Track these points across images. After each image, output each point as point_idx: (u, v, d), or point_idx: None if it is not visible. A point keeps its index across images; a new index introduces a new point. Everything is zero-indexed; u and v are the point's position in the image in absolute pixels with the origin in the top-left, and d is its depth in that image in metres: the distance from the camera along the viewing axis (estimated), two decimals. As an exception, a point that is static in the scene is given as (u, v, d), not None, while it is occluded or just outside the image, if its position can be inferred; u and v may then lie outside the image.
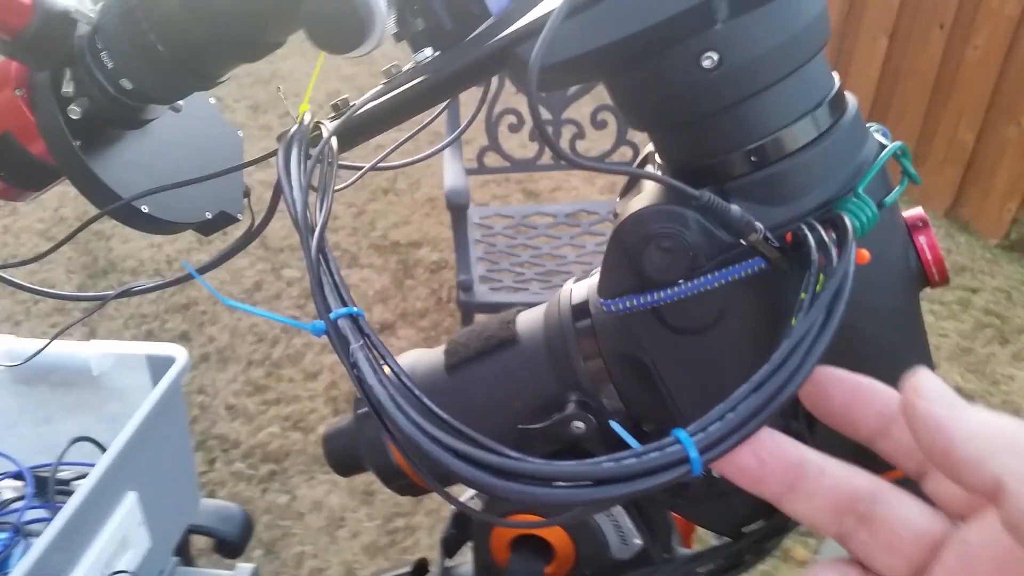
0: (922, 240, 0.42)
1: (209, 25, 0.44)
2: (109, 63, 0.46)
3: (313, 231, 0.35)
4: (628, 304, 0.39)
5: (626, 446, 0.31)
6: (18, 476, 0.90)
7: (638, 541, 0.48)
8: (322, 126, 0.42)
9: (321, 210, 0.36)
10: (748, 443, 0.29)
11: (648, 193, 0.41)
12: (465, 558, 0.58)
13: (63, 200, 2.58)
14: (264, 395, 1.99)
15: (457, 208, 1.78)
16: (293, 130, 0.41)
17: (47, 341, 0.66)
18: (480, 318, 2.02)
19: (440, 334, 2.23)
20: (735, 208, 0.36)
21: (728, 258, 0.37)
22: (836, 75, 0.41)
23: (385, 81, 0.46)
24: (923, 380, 0.27)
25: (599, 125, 2.03)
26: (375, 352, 0.33)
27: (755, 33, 0.36)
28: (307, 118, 0.42)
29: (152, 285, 0.59)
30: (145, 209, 0.50)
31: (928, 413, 0.26)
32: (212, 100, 0.60)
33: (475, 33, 0.41)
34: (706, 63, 0.36)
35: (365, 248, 2.58)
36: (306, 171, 0.38)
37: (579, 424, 0.44)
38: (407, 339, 2.20)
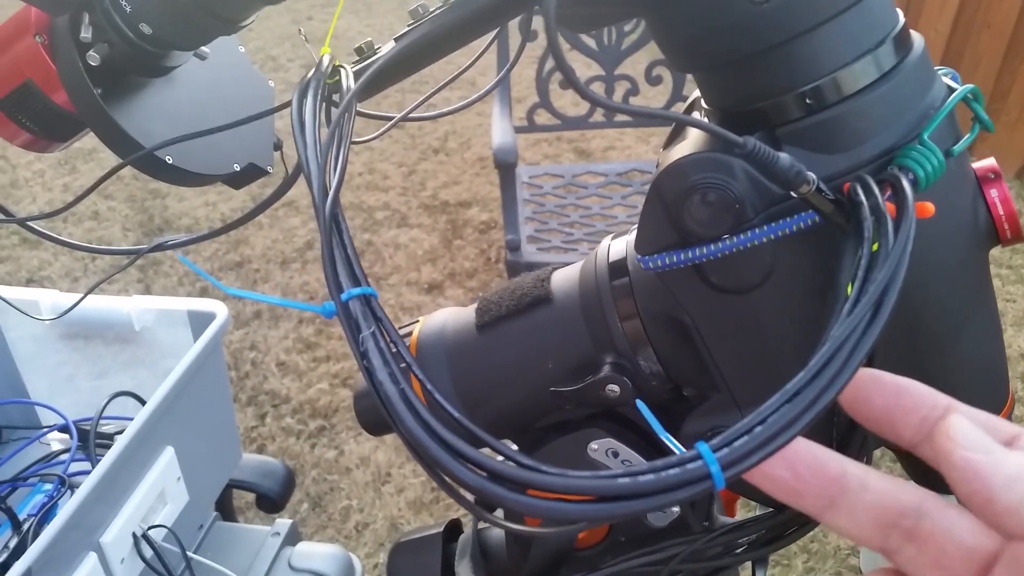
0: (993, 193, 0.38)
1: None
2: (127, 6, 0.44)
3: (328, 195, 0.33)
4: (667, 261, 0.36)
5: (661, 423, 0.29)
6: (65, 429, 0.92)
7: (676, 509, 0.46)
8: (342, 70, 0.40)
9: (336, 170, 0.33)
10: (782, 455, 0.26)
11: (691, 141, 0.38)
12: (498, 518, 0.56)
13: (120, 158, 2.61)
14: (314, 352, 2.01)
15: (505, 166, 1.75)
16: (309, 75, 0.38)
17: (83, 295, 0.66)
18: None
19: (488, 294, 2.22)
20: (784, 157, 0.32)
21: (778, 211, 0.34)
22: (900, 12, 0.37)
23: (411, 22, 0.44)
24: (958, 426, 0.26)
25: (654, 81, 1.97)
26: (387, 339, 0.31)
27: None
28: (326, 61, 0.39)
29: (184, 239, 0.58)
30: (170, 160, 0.48)
31: (965, 460, 0.25)
32: (241, 49, 0.58)
33: None
34: None
35: (415, 208, 2.57)
36: (316, 122, 0.36)
37: (614, 387, 0.42)
38: (455, 299, 2.20)
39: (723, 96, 0.38)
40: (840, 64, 0.34)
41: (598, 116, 2.04)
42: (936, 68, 0.38)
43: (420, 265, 2.31)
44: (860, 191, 0.32)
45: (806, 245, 0.35)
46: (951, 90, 0.37)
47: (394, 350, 0.30)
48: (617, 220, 1.93)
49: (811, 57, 0.34)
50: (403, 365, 0.30)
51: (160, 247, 0.59)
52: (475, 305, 0.48)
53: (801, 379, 0.26)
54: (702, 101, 0.41)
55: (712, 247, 0.35)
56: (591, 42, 1.96)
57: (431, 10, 0.41)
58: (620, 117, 2.04)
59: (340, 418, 1.84)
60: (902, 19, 0.37)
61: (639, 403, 0.31)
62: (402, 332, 0.49)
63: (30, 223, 0.54)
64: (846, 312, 0.28)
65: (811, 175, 0.32)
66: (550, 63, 1.96)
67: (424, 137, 2.96)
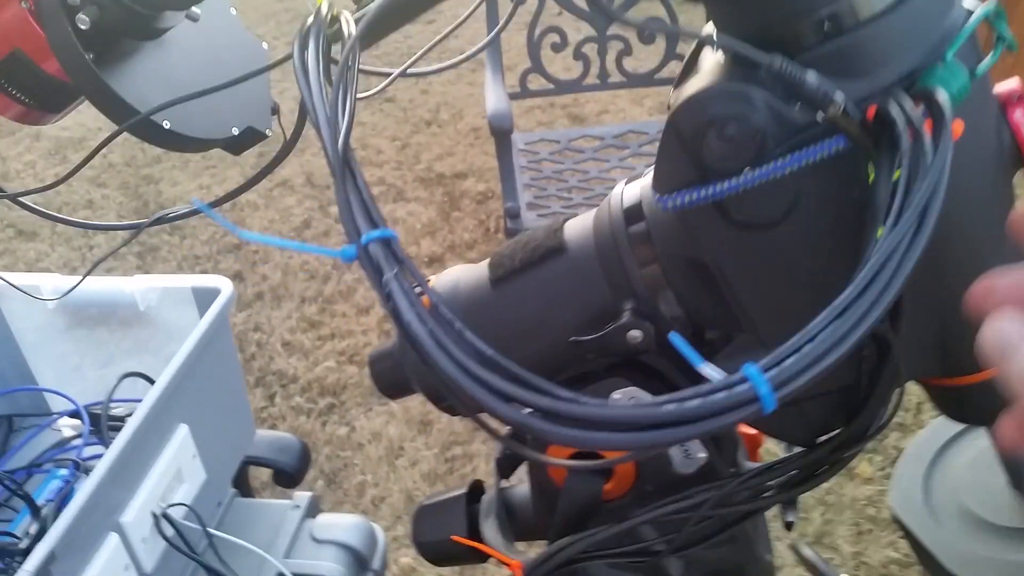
0: (1018, 116, 0.37)
1: None
2: None
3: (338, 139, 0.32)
4: (687, 199, 0.35)
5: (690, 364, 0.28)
6: (75, 415, 0.91)
7: (702, 455, 0.45)
8: (342, 17, 0.39)
9: (343, 116, 0.32)
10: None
11: (706, 74, 0.37)
12: (520, 478, 0.56)
13: (112, 147, 2.60)
14: (319, 331, 2.00)
15: (501, 133, 1.74)
16: (309, 22, 0.37)
17: (84, 274, 0.65)
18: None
19: (490, 264, 2.21)
20: (811, 73, 0.31)
21: (800, 140, 0.33)
22: None
23: None
24: None
25: (647, 40, 1.94)
26: (412, 280, 0.30)
27: None
28: (324, 7, 0.38)
29: (185, 211, 0.57)
30: (167, 125, 0.47)
31: None
32: (232, 11, 0.57)
33: None
34: None
35: (411, 182, 2.55)
36: (320, 68, 0.35)
37: (636, 333, 0.41)
38: (457, 270, 2.18)
39: (738, 23, 0.36)
40: None
41: (592, 79, 2.01)
42: None
43: (419, 239, 2.30)
44: (894, 105, 0.31)
45: (830, 174, 0.34)
46: (971, 12, 0.36)
47: (418, 291, 0.29)
48: (616, 182, 1.91)
49: None
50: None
51: (161, 220, 0.58)
52: (487, 261, 0.47)
53: (849, 295, 0.25)
54: (714, 36, 0.40)
55: (733, 181, 0.34)
56: (581, 2, 1.93)
57: None
58: (615, 78, 2.02)
59: (349, 395, 1.84)
60: None
61: (673, 336, 0.30)
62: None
63: (22, 199, 0.53)
64: (889, 226, 0.27)
65: (839, 93, 0.31)
66: (541, 26, 1.93)
67: (416, 110, 2.93)
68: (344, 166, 0.31)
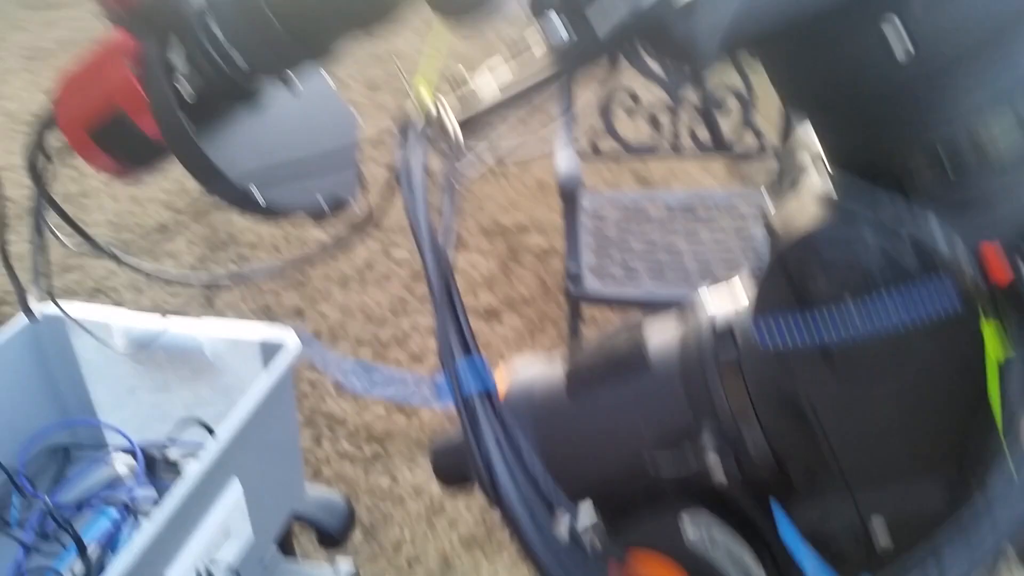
0: None
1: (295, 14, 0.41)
2: (220, 34, 0.44)
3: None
4: (790, 340, 0.34)
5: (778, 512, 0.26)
6: (131, 452, 0.92)
7: None
8: (443, 112, 0.38)
9: (449, 232, 0.32)
10: None
11: (814, 203, 0.35)
12: None
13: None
14: (371, 375, 2.00)
15: (570, 196, 1.73)
16: (415, 123, 0.37)
17: (162, 328, 0.65)
18: (597, 326, 1.97)
19: (545, 323, 2.20)
20: (942, 238, 0.29)
21: (914, 292, 0.32)
22: None
23: (513, 59, 0.42)
24: None
25: (717, 104, 1.93)
26: (508, 438, 0.29)
27: (958, 15, 0.30)
28: (425, 103, 0.38)
29: (258, 271, 0.59)
30: (254, 192, 0.47)
31: None
32: (327, 77, 0.57)
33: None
34: (898, 49, 0.31)
35: (474, 231, 2.56)
36: (425, 177, 0.34)
37: (715, 458, 0.40)
38: (511, 326, 2.18)
39: (851, 147, 0.35)
40: (980, 123, 0.31)
41: (664, 145, 2.01)
42: None
43: (477, 290, 2.30)
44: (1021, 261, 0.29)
45: (945, 329, 0.32)
46: None
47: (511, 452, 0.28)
48: (681, 253, 1.89)
49: (950, 115, 0.32)
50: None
51: (237, 278, 0.59)
52: (563, 363, 0.46)
53: (982, 517, 0.23)
54: (821, 155, 0.38)
55: (841, 328, 0.33)
56: (655, 64, 1.93)
57: (533, 47, 0.40)
58: (686, 145, 2.01)
59: (395, 444, 1.83)
60: None
61: (774, 506, 0.28)
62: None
63: (122, 258, 0.54)
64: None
65: (963, 252, 0.29)
66: (615, 86, 1.94)
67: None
68: (446, 294, 0.30)
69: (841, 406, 0.36)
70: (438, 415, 1.91)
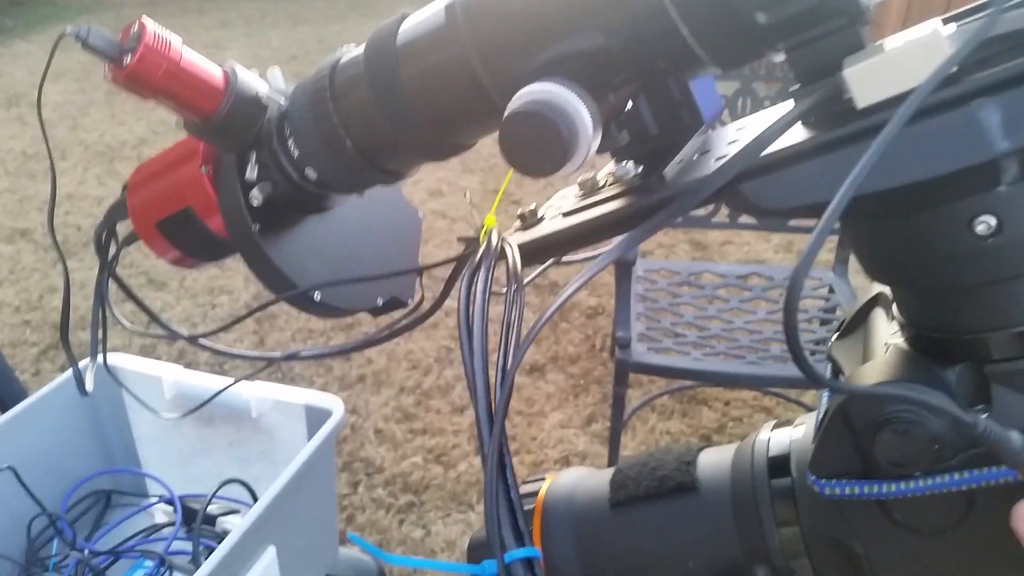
0: None
1: (400, 125, 0.41)
2: (295, 150, 0.44)
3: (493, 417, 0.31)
4: (849, 491, 0.33)
5: None
6: (169, 501, 0.93)
7: None
8: (507, 247, 0.38)
9: (502, 389, 0.31)
10: None
11: (886, 361, 0.35)
12: None
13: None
14: (412, 423, 2.01)
15: (623, 264, 1.73)
16: (478, 256, 0.37)
17: (214, 394, 0.66)
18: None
19: (589, 383, 2.18)
20: (1016, 439, 0.29)
21: (979, 455, 0.31)
22: None
23: (580, 194, 0.42)
24: None
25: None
26: None
27: None
28: (494, 239, 0.38)
29: (316, 352, 0.58)
30: (317, 297, 0.48)
31: None
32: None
33: (688, 156, 0.36)
34: (981, 228, 0.30)
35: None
36: (485, 326, 0.34)
37: None
38: (556, 383, 2.16)
39: (928, 318, 0.34)
40: None
41: (721, 216, 1.99)
42: None
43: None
44: None
45: (1008, 495, 0.31)
46: None
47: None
48: (733, 326, 1.87)
49: None
50: None
51: (292, 357, 0.59)
52: (609, 474, 0.45)
53: None
54: (894, 308, 0.37)
55: (902, 486, 0.32)
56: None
57: (600, 186, 0.40)
58: (744, 219, 1.99)
59: (430, 496, 1.82)
60: None
61: None
62: (527, 489, 0.46)
63: (200, 340, 0.55)
64: None
65: None
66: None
67: (541, 214, 2.97)
68: (499, 468, 0.30)
69: (899, 558, 0.35)
70: (475, 468, 1.90)
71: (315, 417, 0.84)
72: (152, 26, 0.43)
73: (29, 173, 3.52)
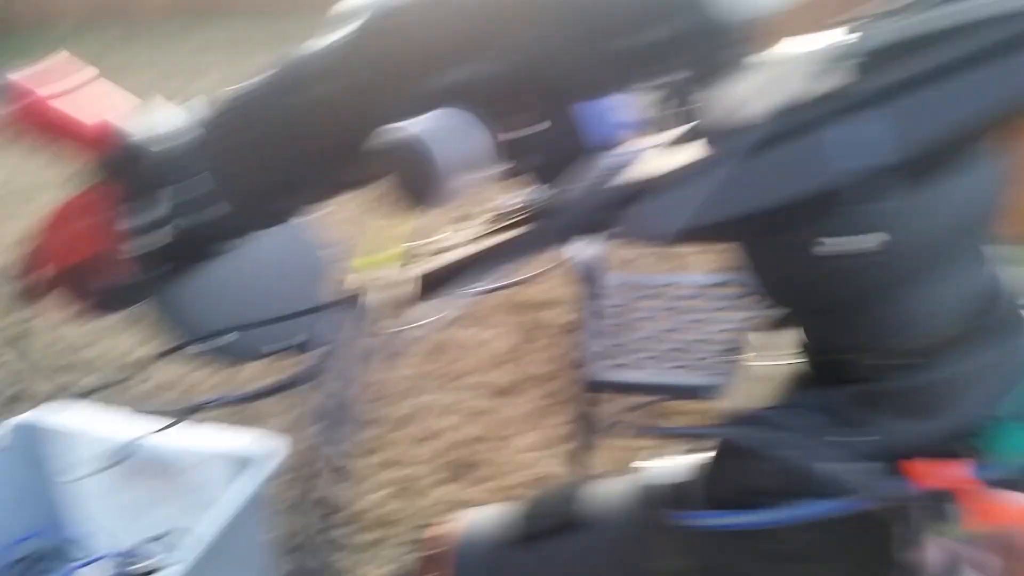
0: None
1: (294, 158, 0.41)
2: (205, 185, 0.43)
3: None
4: (720, 522, 0.34)
5: None
6: (99, 559, 0.88)
7: None
8: (388, 288, 0.38)
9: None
10: None
11: (771, 375, 0.37)
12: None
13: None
14: (372, 457, 1.96)
15: (589, 278, 1.70)
16: (348, 309, 0.37)
17: (138, 438, 0.64)
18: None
19: (560, 403, 2.14)
20: (853, 471, 0.30)
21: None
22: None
23: (483, 222, 0.42)
24: None
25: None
26: None
27: (929, 211, 0.29)
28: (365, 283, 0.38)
29: (223, 399, 0.59)
30: (221, 343, 0.49)
31: None
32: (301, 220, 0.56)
33: (580, 178, 0.37)
34: (864, 244, 0.30)
35: (493, 307, 2.53)
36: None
37: None
38: (527, 406, 2.13)
39: (816, 339, 0.34)
40: (942, 327, 0.31)
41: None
42: None
43: (493, 368, 2.25)
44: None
45: (866, 521, 0.32)
46: None
47: None
48: (702, 336, 1.83)
49: (918, 312, 0.31)
50: None
51: (199, 408, 0.59)
52: (518, 507, 0.46)
53: None
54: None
55: (768, 515, 0.32)
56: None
57: (505, 213, 0.39)
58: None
59: (392, 532, 1.77)
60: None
61: None
62: (442, 532, 0.49)
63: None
64: None
65: (862, 488, 0.30)
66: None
67: (505, 232, 2.95)
68: None
69: None
70: (440, 505, 1.85)
71: (249, 463, 0.79)
72: (26, 74, 0.42)
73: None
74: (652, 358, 1.75)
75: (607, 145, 0.36)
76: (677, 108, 0.31)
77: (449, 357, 2.30)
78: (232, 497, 0.73)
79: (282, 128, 0.38)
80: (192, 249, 0.45)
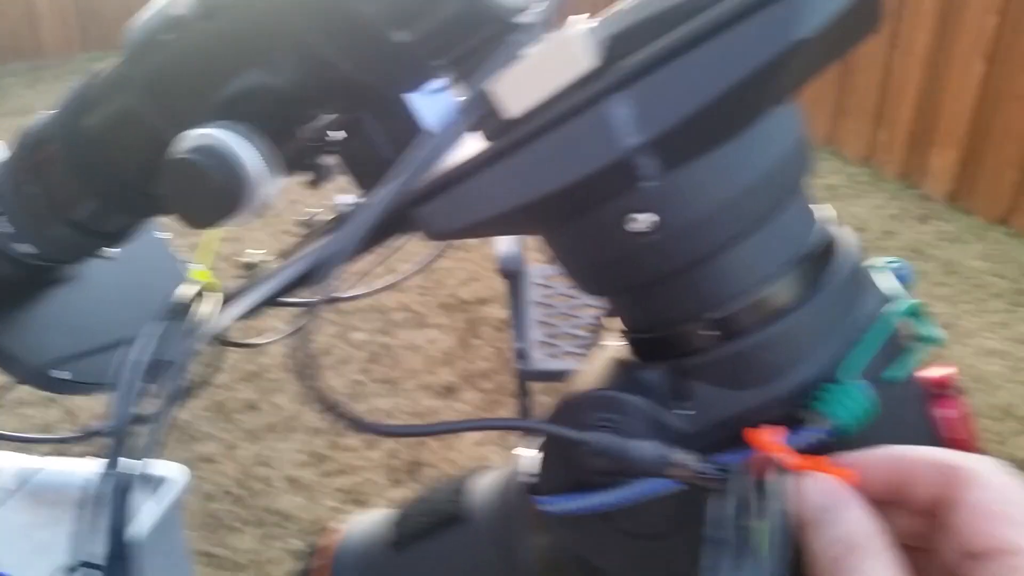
0: (943, 413, 0.32)
1: (94, 184, 0.39)
2: (8, 227, 0.42)
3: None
4: (565, 506, 0.32)
5: None
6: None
7: None
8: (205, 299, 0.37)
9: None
10: None
11: (601, 358, 0.35)
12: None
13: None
14: (324, 465, 1.96)
15: (512, 274, 1.72)
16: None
17: (39, 467, 0.62)
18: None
19: (504, 397, 2.16)
20: (635, 447, 0.29)
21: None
22: (830, 214, 0.33)
23: (306, 234, 0.41)
24: None
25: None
26: None
27: (696, 189, 0.29)
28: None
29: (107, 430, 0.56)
30: (67, 376, 0.45)
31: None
32: (157, 234, 0.55)
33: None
34: (636, 226, 0.29)
35: (433, 308, 2.54)
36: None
37: None
38: (471, 403, 2.14)
39: (630, 319, 0.34)
40: (746, 291, 0.30)
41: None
42: (885, 263, 0.33)
43: (437, 367, 2.27)
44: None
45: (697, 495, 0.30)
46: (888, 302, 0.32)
47: None
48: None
49: (713, 285, 0.30)
50: None
51: (89, 435, 0.56)
52: (396, 512, 0.43)
53: None
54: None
55: (607, 495, 0.31)
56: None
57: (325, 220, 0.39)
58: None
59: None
60: (831, 228, 0.32)
61: None
62: (321, 543, 0.45)
63: None
64: None
65: (676, 458, 0.28)
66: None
67: (443, 233, 2.95)
68: None
69: (627, 560, 0.35)
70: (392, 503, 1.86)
71: (159, 488, 0.80)
72: None
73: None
74: (585, 345, 1.78)
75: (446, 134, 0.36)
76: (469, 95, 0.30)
77: (392, 361, 2.31)
78: (143, 519, 0.74)
79: (78, 154, 0.38)
80: (12, 286, 0.44)
